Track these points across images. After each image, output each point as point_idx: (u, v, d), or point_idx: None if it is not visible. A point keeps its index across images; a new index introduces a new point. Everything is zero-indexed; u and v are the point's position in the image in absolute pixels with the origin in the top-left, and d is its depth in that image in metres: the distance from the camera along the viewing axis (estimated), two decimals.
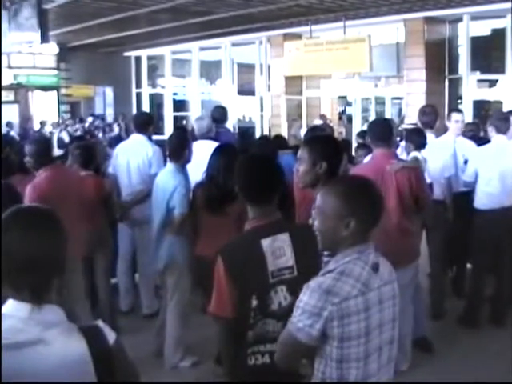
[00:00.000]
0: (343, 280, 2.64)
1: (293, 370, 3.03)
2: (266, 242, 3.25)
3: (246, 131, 17.51)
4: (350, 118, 22.68)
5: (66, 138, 19.74)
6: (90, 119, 23.70)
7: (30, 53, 18.35)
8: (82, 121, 23.96)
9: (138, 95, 27.65)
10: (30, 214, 2.24)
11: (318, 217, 2.80)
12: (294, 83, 21.24)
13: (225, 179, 5.30)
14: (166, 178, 5.89)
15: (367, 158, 6.53)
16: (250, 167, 3.52)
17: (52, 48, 18.36)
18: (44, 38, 15.09)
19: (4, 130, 22.17)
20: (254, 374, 3.35)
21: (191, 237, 5.74)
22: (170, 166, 5.99)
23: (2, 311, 2.15)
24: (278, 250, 3.26)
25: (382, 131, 5.71)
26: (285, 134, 18.32)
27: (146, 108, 26.06)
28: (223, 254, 3.27)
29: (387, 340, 2.78)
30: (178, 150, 5.94)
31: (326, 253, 3.41)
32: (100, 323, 2.20)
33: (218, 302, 3.28)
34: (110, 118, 27.01)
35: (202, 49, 24.24)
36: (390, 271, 2.85)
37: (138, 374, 2.33)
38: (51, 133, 21.61)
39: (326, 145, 4.12)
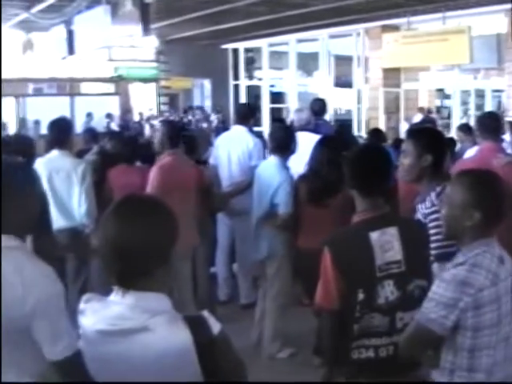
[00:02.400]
0: (476, 271, 2.72)
1: (409, 362, 3.11)
2: (374, 235, 3.21)
3: (343, 124, 17.32)
4: (447, 111, 22.24)
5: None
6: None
7: (131, 46, 18.75)
8: (186, 112, 24.47)
9: (236, 87, 27.77)
10: (129, 203, 2.30)
11: (445, 205, 2.88)
12: (391, 75, 20.94)
13: (328, 172, 5.28)
14: (271, 172, 5.90)
15: (471, 151, 6.41)
16: (364, 157, 3.49)
17: (152, 41, 18.69)
18: (145, 31, 15.42)
19: (104, 121, 22.79)
20: (357, 367, 3.34)
21: (293, 228, 5.75)
22: (273, 159, 5.98)
23: (110, 298, 2.21)
24: (387, 244, 3.22)
25: (491, 124, 5.61)
26: (382, 126, 18.11)
27: (243, 100, 26.18)
28: (330, 245, 3.26)
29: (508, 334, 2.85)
30: (283, 143, 5.95)
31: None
32: (205, 313, 2.22)
33: (324, 293, 3.28)
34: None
35: (299, 41, 24.14)
36: None
37: (244, 364, 2.33)
38: (151, 124, 22.07)
39: (431, 137, 4.03)
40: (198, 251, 6.76)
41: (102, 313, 2.19)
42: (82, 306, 2.26)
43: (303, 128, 7.55)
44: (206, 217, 6.80)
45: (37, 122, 20.22)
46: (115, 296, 2.20)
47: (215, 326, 2.19)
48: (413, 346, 2.96)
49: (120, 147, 7.48)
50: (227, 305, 7.48)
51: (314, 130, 7.53)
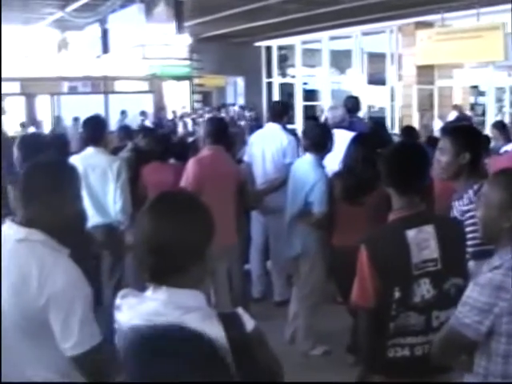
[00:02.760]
0: None
1: (442, 365, 3.04)
2: (411, 233, 3.20)
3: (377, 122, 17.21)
4: (482, 108, 22.03)
5: (190, 125, 20.34)
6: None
7: (165, 44, 18.86)
8: (219, 109, 24.59)
9: (269, 85, 27.72)
10: (165, 199, 2.30)
11: (482, 206, 2.79)
12: (425, 73, 20.78)
13: (363, 169, 5.26)
14: (306, 169, 5.89)
15: (507, 148, 6.36)
16: (401, 154, 3.48)
17: (185, 39, 18.76)
18: (179, 29, 15.50)
19: (138, 119, 22.90)
20: (393, 366, 3.32)
21: (327, 226, 5.73)
22: (309, 157, 5.96)
23: (146, 294, 2.22)
24: (423, 242, 3.21)
25: None
26: (416, 124, 17.97)
27: (276, 98, 26.13)
28: (367, 243, 3.26)
29: None
30: (319, 141, 5.93)
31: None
32: (239, 310, 2.22)
33: (360, 291, 3.28)
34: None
35: (332, 38, 24.03)
36: None
37: (278, 362, 2.32)
38: (184, 121, 22.15)
39: (469, 135, 3.98)
40: (233, 249, 6.77)
41: (138, 308, 2.20)
42: (118, 301, 2.28)
43: (337, 125, 7.53)
44: (240, 214, 6.81)
45: (76, 119, 20.33)
46: (149, 292, 2.21)
47: (249, 323, 2.18)
48: (445, 350, 2.87)
49: (153, 144, 7.53)
50: (261, 302, 7.48)
51: (349, 128, 7.51)
